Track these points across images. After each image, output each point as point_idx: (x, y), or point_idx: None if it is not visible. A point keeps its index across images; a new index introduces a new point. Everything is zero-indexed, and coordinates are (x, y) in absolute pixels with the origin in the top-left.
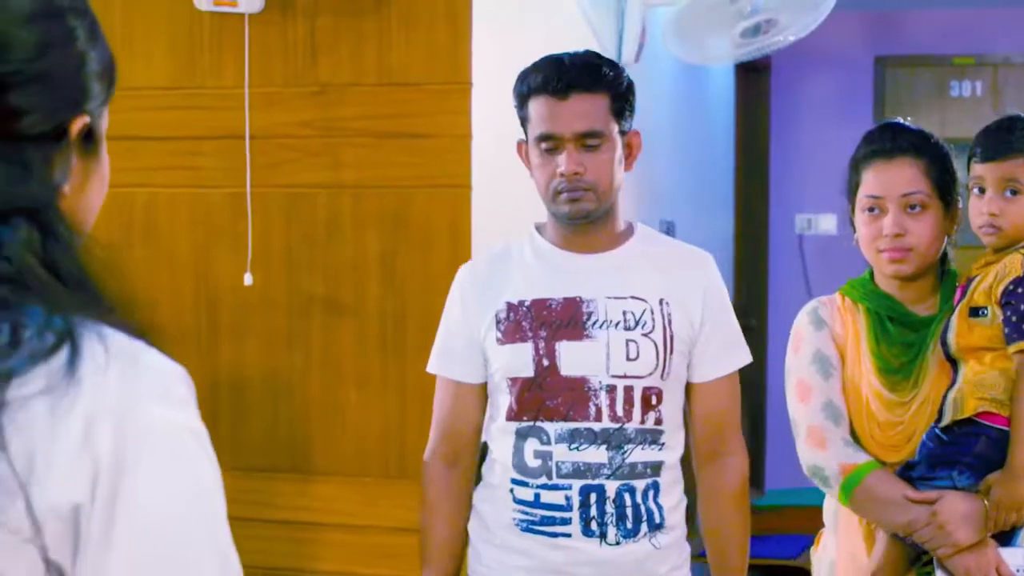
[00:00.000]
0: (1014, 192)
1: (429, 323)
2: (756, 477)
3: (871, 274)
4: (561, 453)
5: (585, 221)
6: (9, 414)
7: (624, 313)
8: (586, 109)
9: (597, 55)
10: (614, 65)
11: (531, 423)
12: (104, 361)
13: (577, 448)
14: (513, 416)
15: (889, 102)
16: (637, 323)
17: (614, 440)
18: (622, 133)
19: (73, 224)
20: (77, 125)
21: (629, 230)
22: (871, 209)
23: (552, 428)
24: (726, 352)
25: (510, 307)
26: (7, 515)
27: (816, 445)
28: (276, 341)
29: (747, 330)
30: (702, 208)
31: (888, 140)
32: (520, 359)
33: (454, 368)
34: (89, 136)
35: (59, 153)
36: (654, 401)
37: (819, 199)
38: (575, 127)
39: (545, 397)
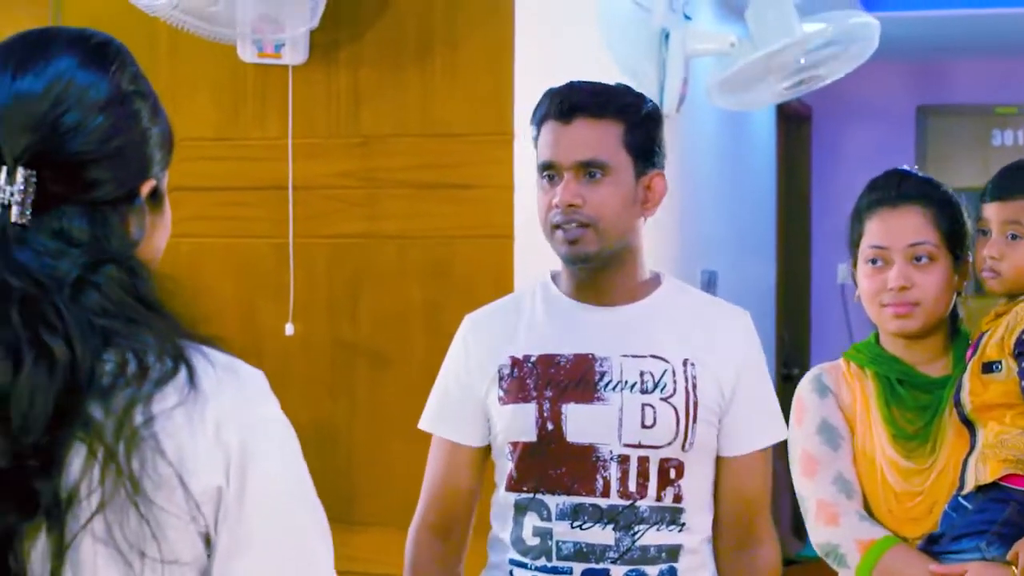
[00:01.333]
0: (1014, 236)
1: None
2: (799, 527)
3: (876, 336)
4: (562, 531)
5: (589, 266)
6: (160, 424)
7: (642, 374)
8: (590, 136)
9: (624, 86)
10: (637, 95)
11: (531, 495)
12: (214, 374)
13: (580, 526)
14: (512, 486)
15: (931, 152)
16: (656, 386)
17: (623, 519)
18: (640, 172)
19: (146, 264)
20: (145, 188)
21: (655, 281)
22: (874, 261)
23: (553, 502)
24: (760, 424)
25: (514, 363)
26: (172, 502)
27: (828, 521)
28: (320, 391)
29: (789, 380)
30: (744, 257)
31: (893, 187)
32: (522, 421)
33: (450, 427)
34: (155, 194)
35: (133, 212)
36: (673, 475)
37: None
38: (575, 155)
39: (547, 466)
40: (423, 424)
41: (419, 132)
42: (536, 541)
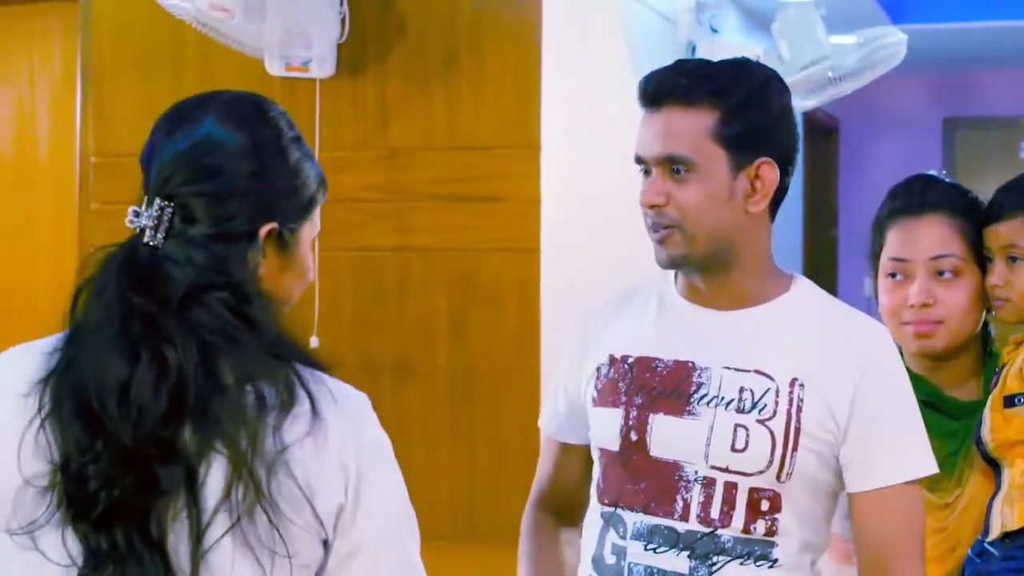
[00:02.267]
0: (1013, 259)
1: (498, 385)
2: None
3: (900, 355)
4: (635, 552)
5: (687, 269)
6: (292, 453)
7: (741, 390)
8: (673, 127)
9: (739, 63)
10: (741, 74)
11: (612, 509)
12: (331, 400)
13: (654, 550)
14: (600, 496)
15: (958, 164)
16: (754, 405)
17: (700, 547)
18: (740, 164)
19: (271, 297)
20: (263, 231)
21: (782, 284)
22: (894, 275)
23: (631, 520)
24: (892, 456)
25: (612, 362)
26: (301, 517)
27: (842, 559)
28: None
29: None
30: None
31: (916, 194)
32: (608, 428)
33: (552, 424)
34: (279, 237)
35: (251, 250)
36: (765, 507)
37: None
38: (656, 148)
39: (627, 479)
40: (541, 420)
41: (446, 145)
42: (612, 560)
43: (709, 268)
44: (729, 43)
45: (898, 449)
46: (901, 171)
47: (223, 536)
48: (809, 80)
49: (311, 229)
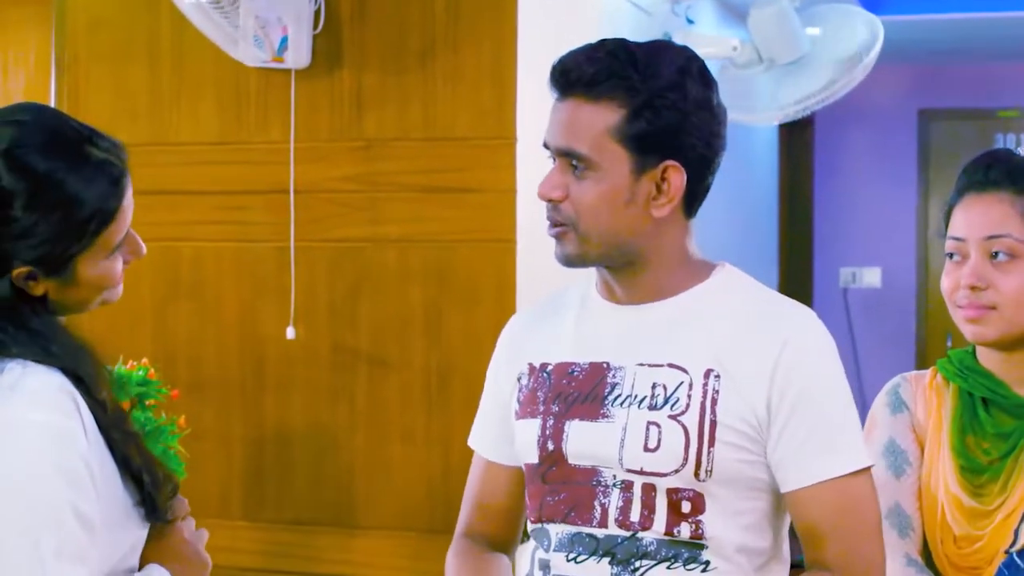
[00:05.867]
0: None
1: (474, 378)
2: None
3: (975, 345)
4: (559, 564)
5: (585, 267)
6: None
7: (654, 386)
8: (575, 120)
9: (657, 49)
10: (657, 65)
11: (539, 524)
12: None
13: (575, 560)
14: (528, 513)
15: (933, 156)
16: (666, 401)
17: (620, 552)
18: (642, 167)
19: (63, 307)
20: (14, 274)
21: (702, 275)
22: (952, 255)
23: (554, 531)
24: (822, 449)
25: (532, 371)
26: None
27: None
28: (320, 395)
29: None
30: (746, 262)
31: (980, 171)
32: (527, 440)
33: (483, 442)
34: (54, 270)
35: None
36: (686, 508)
37: (864, 252)
38: (557, 140)
39: (548, 491)
40: (470, 438)
41: (421, 136)
42: (539, 575)
43: (613, 266)
44: (705, 34)
45: (827, 443)
46: (877, 162)
47: None
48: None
49: (99, 252)
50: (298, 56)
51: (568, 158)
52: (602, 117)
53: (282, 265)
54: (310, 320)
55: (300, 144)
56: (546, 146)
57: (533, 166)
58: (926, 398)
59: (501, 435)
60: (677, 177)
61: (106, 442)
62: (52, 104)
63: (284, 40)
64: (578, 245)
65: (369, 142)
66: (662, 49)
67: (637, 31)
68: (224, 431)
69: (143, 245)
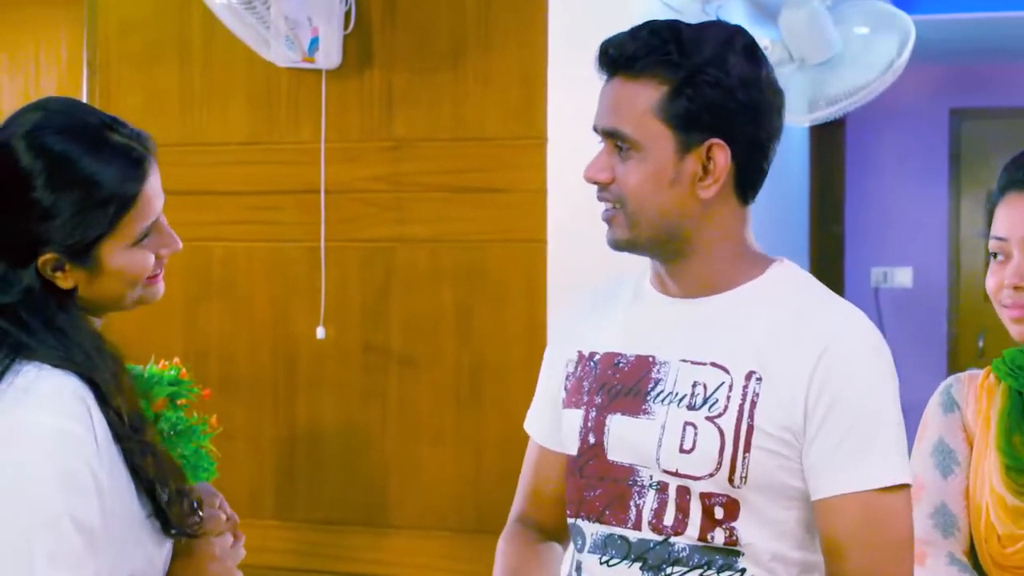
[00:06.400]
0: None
1: (504, 377)
2: None
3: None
4: (591, 566)
5: (637, 253)
6: None
7: (694, 385)
8: (619, 100)
9: (701, 27)
10: (700, 40)
11: (573, 519)
12: (16, 390)
13: (607, 563)
14: (567, 507)
15: (965, 155)
16: (705, 401)
17: (652, 558)
18: (687, 145)
19: (91, 304)
20: (40, 260)
21: (757, 268)
22: (996, 255)
23: (588, 531)
24: (856, 459)
25: (580, 359)
26: None
27: (916, 561)
28: (352, 395)
29: None
30: None
31: (1023, 169)
32: (570, 430)
33: (537, 427)
34: (79, 257)
35: (20, 274)
36: (720, 515)
37: (895, 252)
38: (601, 121)
39: (585, 486)
40: (526, 422)
41: (452, 136)
42: None
43: (664, 255)
44: None
45: (863, 453)
46: (908, 162)
47: None
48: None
49: (122, 239)
50: (329, 56)
51: (613, 139)
52: (643, 95)
53: (313, 265)
54: (341, 320)
55: (330, 144)
56: (595, 129)
57: (563, 166)
58: (977, 397)
59: (553, 421)
60: (722, 156)
61: (122, 451)
62: None
63: (315, 41)
64: (627, 229)
65: (399, 142)
66: (708, 26)
67: None
68: (255, 431)
69: (177, 239)
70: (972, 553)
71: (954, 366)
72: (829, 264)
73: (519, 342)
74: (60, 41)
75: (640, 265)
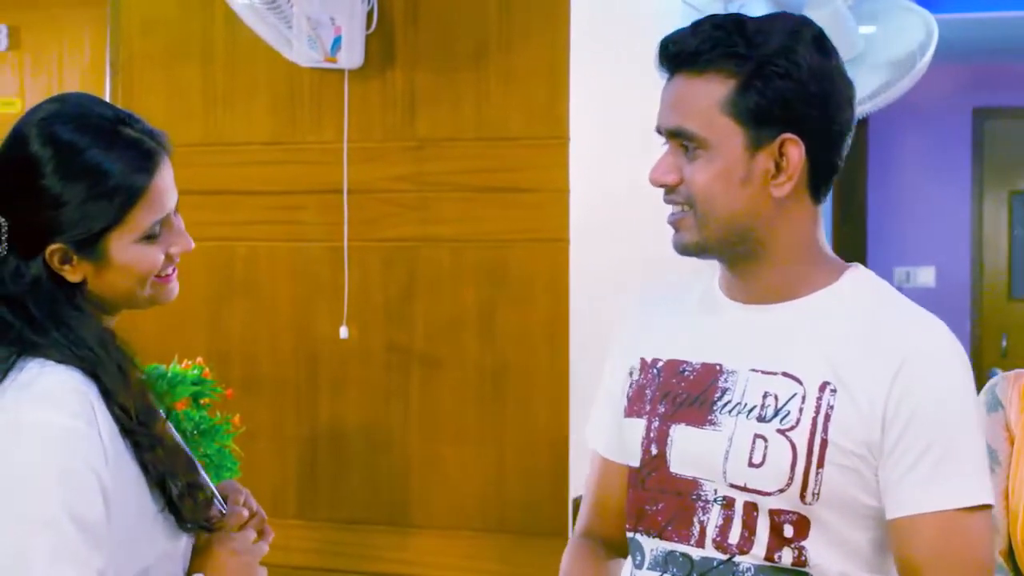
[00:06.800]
0: None
1: (527, 376)
2: None
3: None
4: None
5: (705, 257)
6: None
7: (765, 396)
8: (683, 97)
9: (767, 18)
10: (768, 32)
11: (633, 533)
12: (18, 386)
13: None
14: (626, 518)
15: (988, 155)
16: (776, 413)
17: None
18: (758, 141)
19: (101, 297)
20: (48, 251)
21: (831, 275)
22: None
23: (648, 546)
24: (929, 478)
25: (643, 366)
26: None
27: None
28: (374, 394)
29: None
30: None
31: None
32: (632, 440)
33: (597, 437)
34: (78, 252)
35: (28, 266)
36: (789, 532)
37: (918, 251)
38: (665, 120)
39: (646, 499)
40: (587, 432)
41: (474, 136)
42: None
43: (734, 258)
44: None
45: (941, 471)
46: (931, 161)
47: None
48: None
49: (130, 232)
50: (351, 56)
51: (679, 139)
52: (710, 90)
53: (335, 265)
54: (363, 319)
55: (353, 144)
56: (658, 131)
57: (585, 165)
58: (1021, 395)
59: (615, 431)
60: (795, 151)
61: (131, 445)
62: None
63: (337, 40)
64: (697, 231)
65: (422, 142)
66: (773, 17)
67: None
68: (278, 430)
69: (189, 239)
70: (1010, 555)
71: (977, 366)
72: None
73: (542, 341)
74: (83, 41)
75: (674, 269)
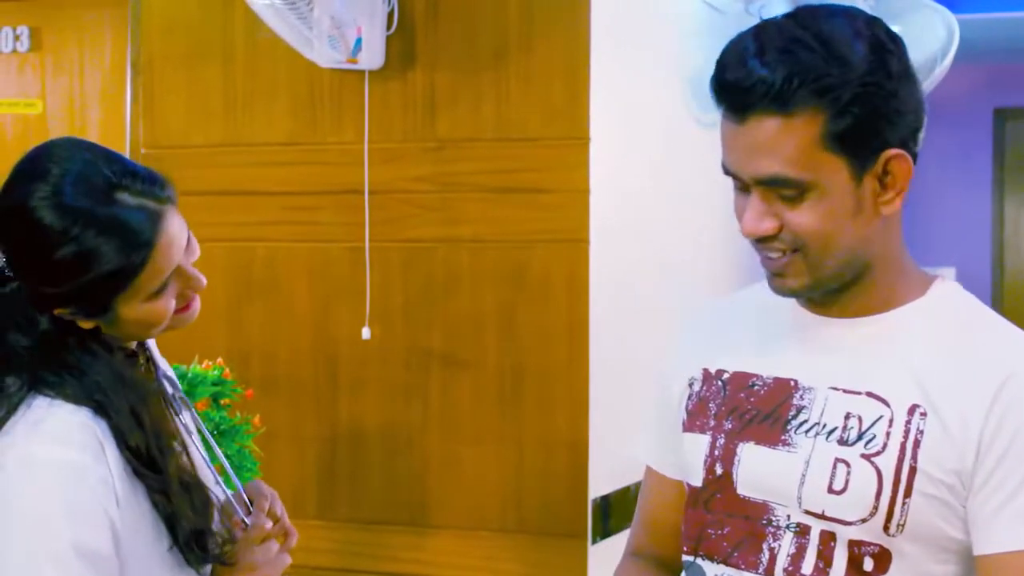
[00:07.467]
0: None
1: (547, 378)
2: None
3: None
4: None
5: (810, 296)
6: None
7: (847, 417)
8: (771, 142)
9: (831, 33)
10: (848, 51)
11: (692, 557)
12: (23, 427)
13: None
14: (682, 539)
15: (1009, 155)
16: (860, 437)
17: None
18: (863, 166)
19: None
20: (58, 312)
21: (918, 288)
22: None
23: (711, 572)
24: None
25: (706, 377)
26: None
27: None
28: (394, 395)
29: None
30: None
31: None
32: (693, 458)
33: (650, 452)
34: (94, 315)
35: (40, 317)
36: (869, 566)
37: (938, 253)
38: (751, 169)
39: (709, 522)
40: (638, 446)
41: (495, 136)
42: None
43: (840, 286)
44: None
45: None
46: (951, 162)
47: None
48: None
49: (137, 297)
50: (372, 57)
51: (773, 187)
52: (805, 129)
53: (355, 265)
54: (383, 320)
55: (374, 145)
56: (732, 175)
57: (606, 166)
58: None
59: (670, 445)
60: (902, 164)
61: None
62: (127, 106)
63: (359, 41)
64: (808, 275)
65: (442, 142)
66: (834, 23)
67: (710, 30)
68: (298, 430)
69: (201, 278)
70: None
71: None
72: None
73: (562, 342)
74: (105, 42)
75: (693, 269)
